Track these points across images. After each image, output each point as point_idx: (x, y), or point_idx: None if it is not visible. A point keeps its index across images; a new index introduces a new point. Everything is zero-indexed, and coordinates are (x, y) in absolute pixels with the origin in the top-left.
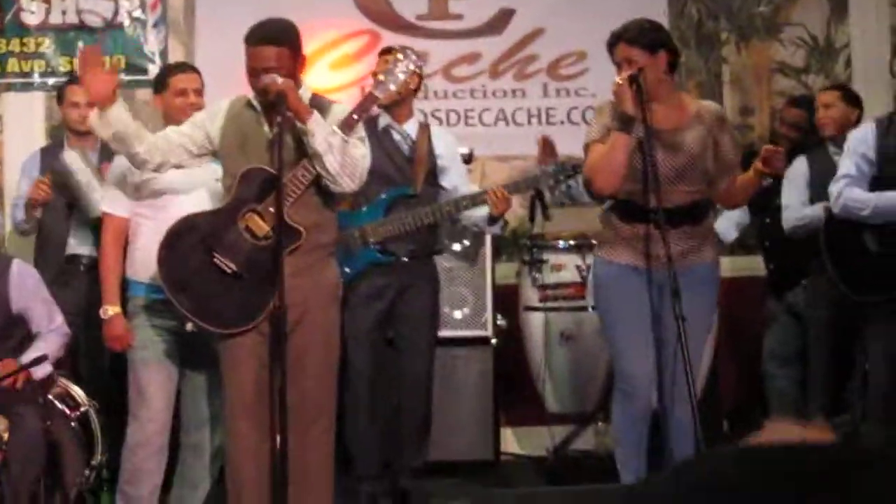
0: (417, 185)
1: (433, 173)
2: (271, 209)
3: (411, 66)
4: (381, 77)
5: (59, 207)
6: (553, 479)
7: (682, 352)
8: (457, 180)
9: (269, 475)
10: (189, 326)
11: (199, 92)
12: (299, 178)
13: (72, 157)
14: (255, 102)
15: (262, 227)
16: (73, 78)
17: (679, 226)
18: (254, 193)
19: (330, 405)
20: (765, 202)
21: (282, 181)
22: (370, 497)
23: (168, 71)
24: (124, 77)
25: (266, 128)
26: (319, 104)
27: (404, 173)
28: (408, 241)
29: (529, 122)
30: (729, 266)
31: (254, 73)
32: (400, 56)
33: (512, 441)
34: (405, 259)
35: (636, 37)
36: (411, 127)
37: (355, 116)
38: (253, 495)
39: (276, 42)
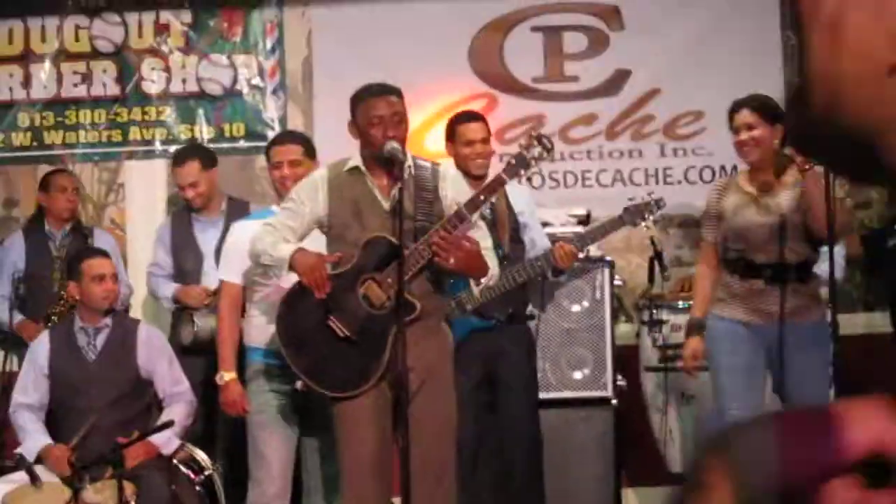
0: (504, 246)
1: (516, 230)
2: (390, 280)
3: (544, 155)
4: (513, 161)
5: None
6: None
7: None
8: (535, 234)
9: None
10: (299, 385)
11: (296, 163)
12: (421, 253)
13: None
14: (362, 167)
15: (379, 296)
16: (173, 158)
17: (785, 283)
18: (374, 262)
19: (452, 464)
20: (893, 257)
21: (402, 253)
22: None
23: (270, 143)
24: (244, 144)
25: (377, 193)
26: (422, 167)
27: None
28: (505, 304)
29: (647, 182)
30: (847, 323)
31: (379, 121)
32: (534, 143)
33: (633, 501)
34: (503, 322)
35: (760, 106)
36: None
37: (482, 197)
38: None
39: (399, 95)
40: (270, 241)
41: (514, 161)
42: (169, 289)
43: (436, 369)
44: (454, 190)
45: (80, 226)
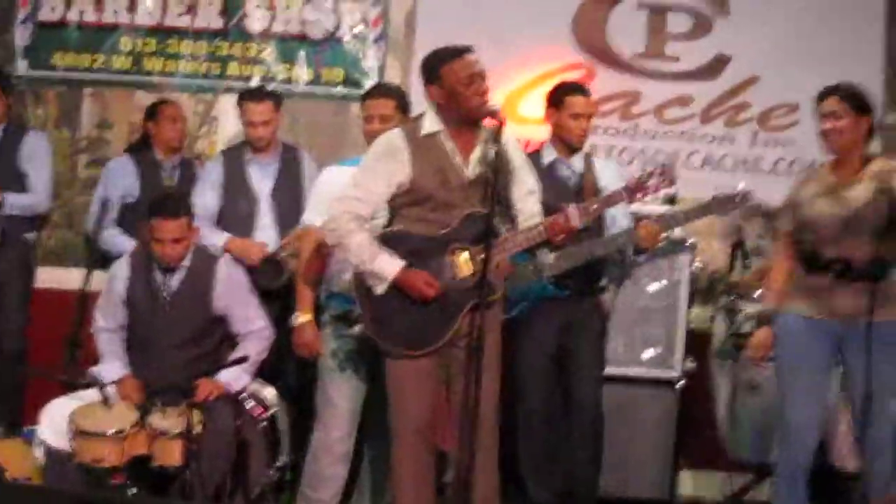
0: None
1: None
2: (481, 257)
3: (662, 187)
4: (640, 181)
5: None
6: None
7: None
8: (616, 211)
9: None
10: (357, 329)
11: (387, 118)
12: (524, 239)
13: None
14: (444, 132)
15: (464, 268)
16: (244, 94)
17: (857, 279)
18: (471, 234)
19: (496, 416)
20: None
21: (492, 224)
22: None
23: (364, 95)
24: (341, 90)
25: (459, 159)
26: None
27: None
28: (580, 276)
29: (736, 170)
30: None
31: (471, 81)
32: (661, 173)
33: (689, 484)
34: (577, 294)
35: (847, 96)
36: (577, 160)
37: (595, 207)
38: None
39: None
40: (362, 241)
41: (633, 185)
42: (218, 238)
43: (489, 334)
44: (514, 151)
45: (188, 159)
